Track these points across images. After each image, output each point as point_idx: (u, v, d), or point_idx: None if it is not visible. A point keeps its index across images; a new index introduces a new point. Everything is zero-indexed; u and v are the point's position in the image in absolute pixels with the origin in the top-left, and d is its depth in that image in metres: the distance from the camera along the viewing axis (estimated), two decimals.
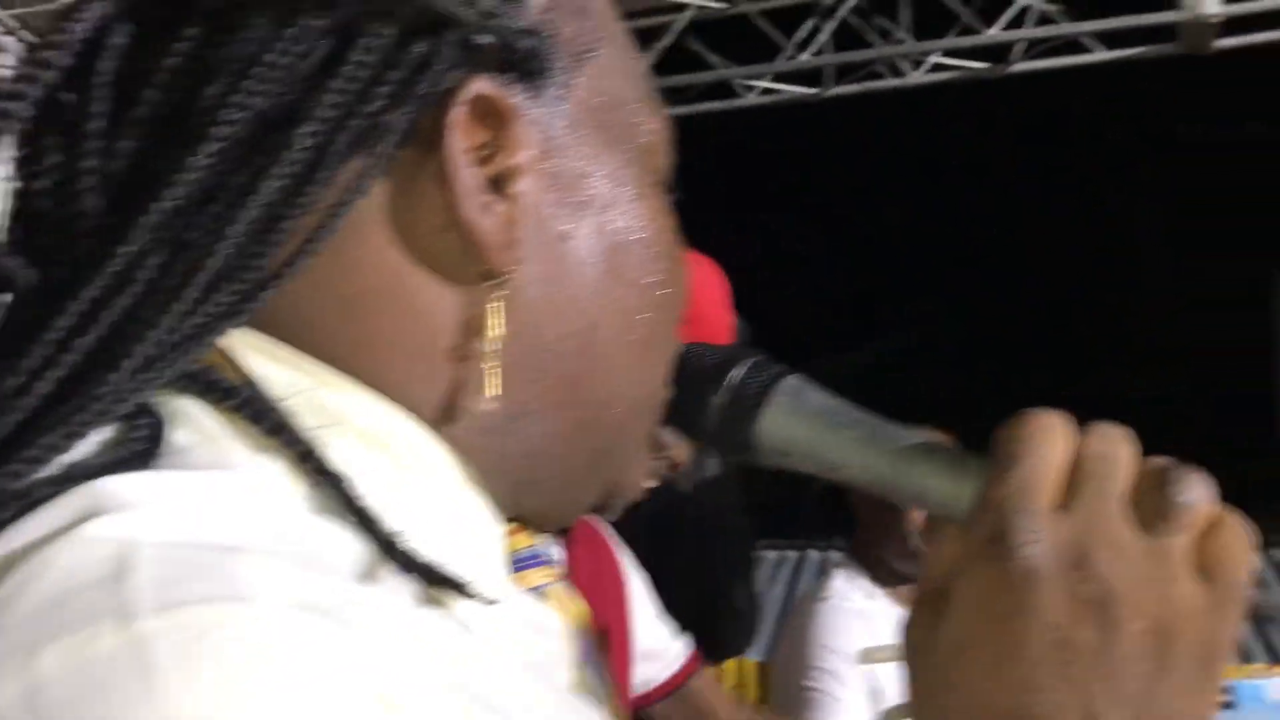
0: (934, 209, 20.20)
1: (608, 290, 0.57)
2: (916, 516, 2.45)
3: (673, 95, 5.41)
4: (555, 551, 1.71)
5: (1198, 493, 0.53)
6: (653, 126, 0.61)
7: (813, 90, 5.38)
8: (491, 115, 0.53)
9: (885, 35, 5.09)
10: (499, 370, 0.53)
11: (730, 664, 6.21)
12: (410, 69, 0.51)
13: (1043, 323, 18.90)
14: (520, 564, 0.63)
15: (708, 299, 1.69)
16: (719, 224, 1.72)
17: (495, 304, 0.53)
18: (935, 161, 20.05)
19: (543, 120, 0.55)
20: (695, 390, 0.65)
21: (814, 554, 7.85)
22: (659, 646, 1.92)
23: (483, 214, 0.53)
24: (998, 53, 5.16)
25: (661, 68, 5.32)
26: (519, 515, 0.60)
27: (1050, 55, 5.14)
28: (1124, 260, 18.30)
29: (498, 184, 0.54)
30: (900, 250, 20.70)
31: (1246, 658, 5.69)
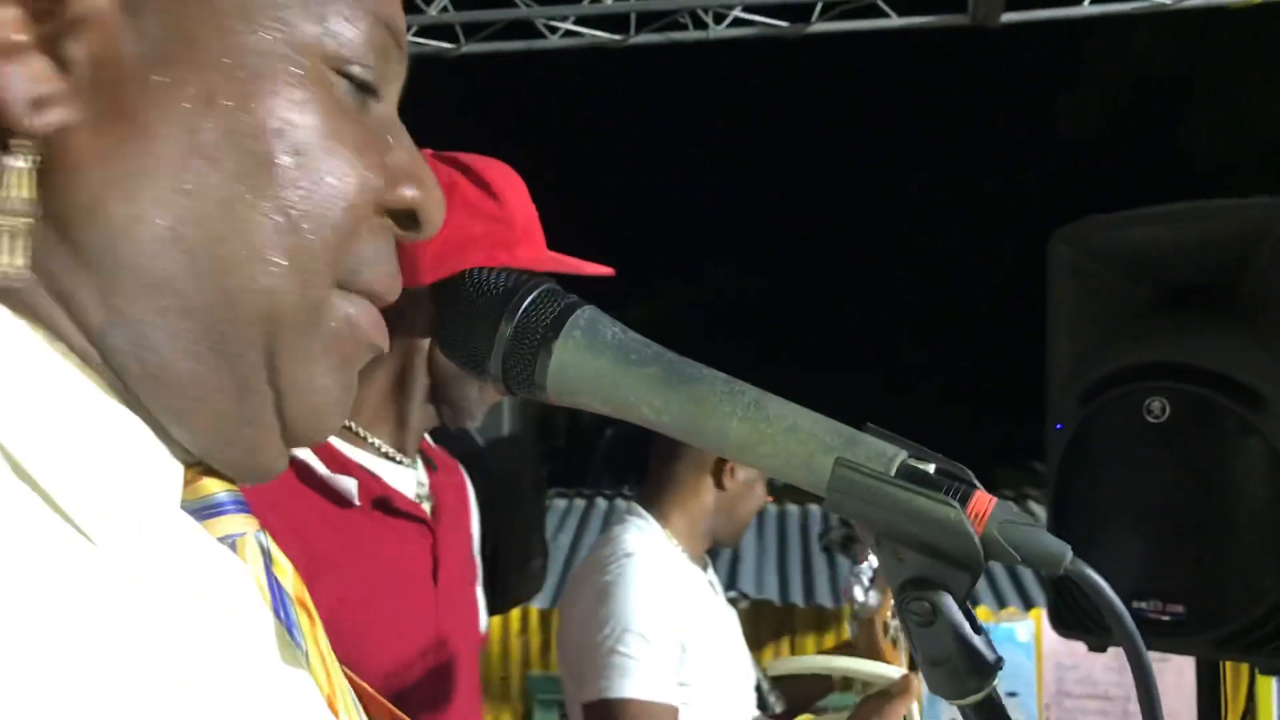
0: (729, 160, 20.55)
1: (207, 176, 0.50)
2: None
3: (473, 30, 5.27)
4: (415, 477, 1.62)
5: None
6: (344, 9, 0.54)
7: (616, 36, 5.33)
8: None
9: None
10: (19, 237, 0.48)
11: (514, 611, 6.24)
12: None
13: (829, 275, 19.56)
14: (208, 511, 0.57)
15: (524, 212, 1.61)
16: (515, 164, 1.67)
17: (18, 167, 0.48)
18: (736, 118, 20.39)
19: None
20: (477, 319, 0.60)
21: (602, 501, 7.92)
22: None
23: (3, 64, 0.48)
24: (799, 12, 5.23)
25: (462, 2, 5.17)
26: (206, 460, 0.56)
27: (847, 18, 5.25)
28: (908, 220, 19.08)
29: (56, 38, 0.49)
30: (692, 201, 21.00)
31: (1001, 602, 6.07)
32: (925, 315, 18.12)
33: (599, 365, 0.58)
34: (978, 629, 0.54)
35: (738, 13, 5.19)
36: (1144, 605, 1.60)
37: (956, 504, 0.54)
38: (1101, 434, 1.74)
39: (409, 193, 0.57)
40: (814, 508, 7.00)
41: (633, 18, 5.26)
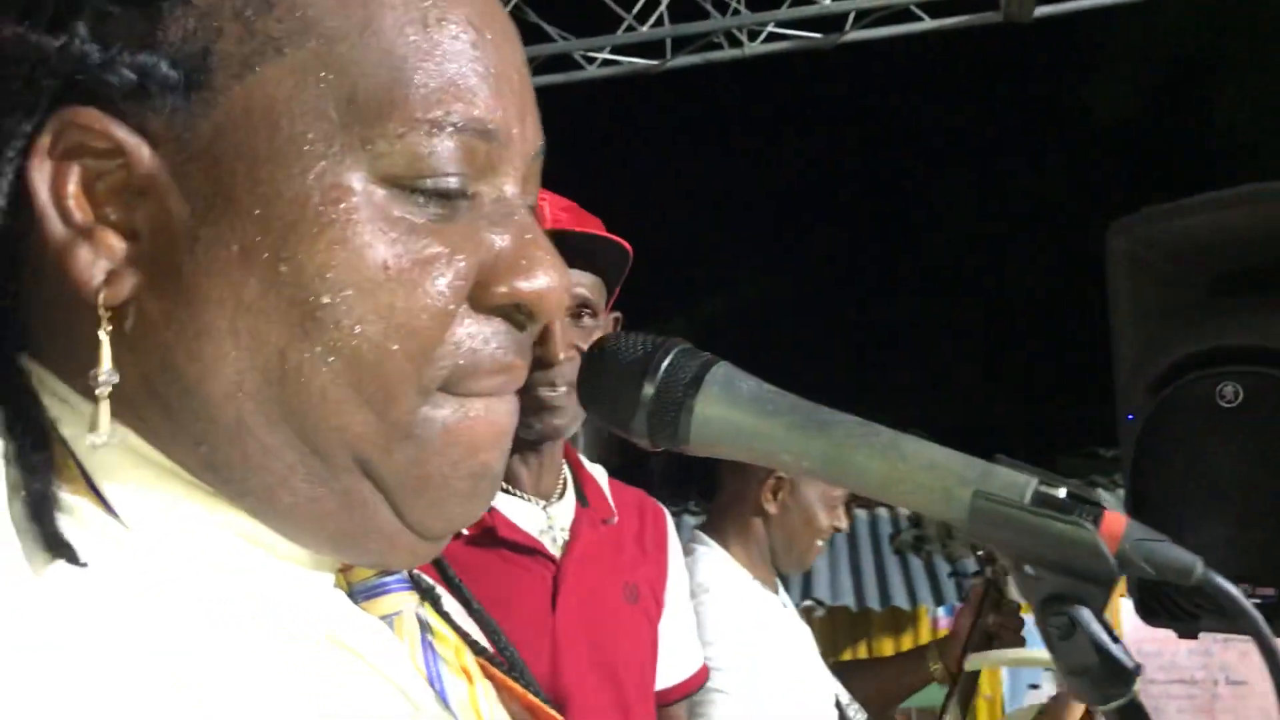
0: (774, 175, 20.55)
1: (258, 328, 0.52)
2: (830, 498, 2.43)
3: None
4: (540, 511, 1.66)
5: None
6: (400, 129, 0.53)
7: (653, 61, 5.40)
8: (88, 147, 0.52)
9: (722, 7, 5.15)
10: (103, 405, 0.52)
11: None
12: None
13: (875, 276, 19.47)
14: (371, 592, 0.63)
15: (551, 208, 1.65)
16: (560, 193, 1.72)
17: (102, 336, 0.52)
18: (773, 130, 20.40)
19: (171, 138, 0.52)
20: (620, 381, 0.63)
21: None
22: (678, 651, 1.87)
23: (72, 246, 0.52)
24: (831, 23, 5.27)
25: None
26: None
27: (881, 25, 5.28)
28: (951, 215, 18.95)
29: (120, 209, 0.52)
30: (734, 213, 21.01)
31: None
32: (976, 307, 18.00)
33: (738, 418, 0.62)
34: (1115, 639, 0.58)
35: (771, 28, 5.24)
36: None
37: (1091, 525, 0.57)
38: (1174, 422, 1.75)
39: (504, 289, 0.56)
40: (882, 512, 6.99)
41: (668, 42, 5.32)
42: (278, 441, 0.53)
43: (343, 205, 0.52)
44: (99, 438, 0.51)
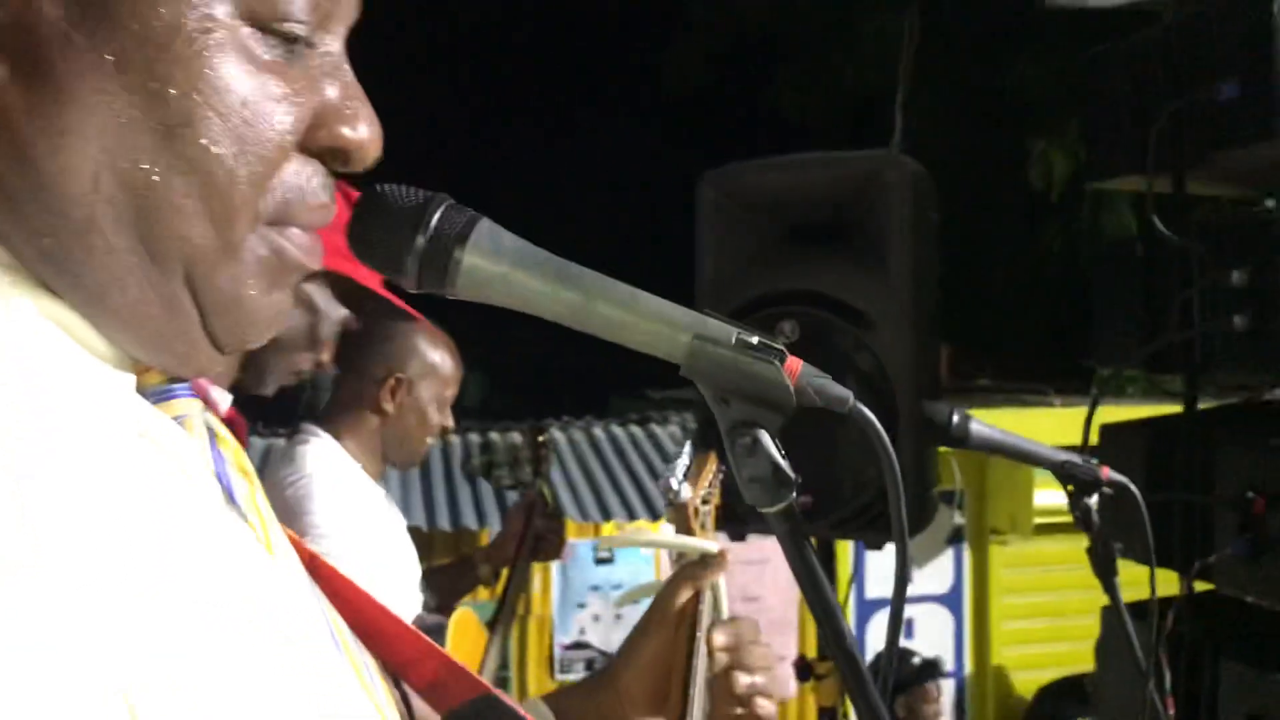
0: None
1: (123, 135, 0.56)
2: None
3: None
4: None
5: None
6: None
7: None
8: None
9: None
10: None
11: None
12: None
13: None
14: (162, 395, 0.69)
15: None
16: None
17: None
18: None
19: None
20: (394, 228, 0.71)
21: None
22: None
23: None
24: None
25: None
26: (151, 365, 0.64)
27: None
28: (521, 169, 19.30)
29: None
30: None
31: (632, 515, 6.47)
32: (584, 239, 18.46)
33: (500, 268, 0.71)
34: (784, 455, 0.74)
35: None
36: None
37: (778, 364, 0.73)
38: None
39: (327, 135, 0.62)
40: (454, 439, 7.16)
41: None
42: (122, 243, 0.56)
43: (212, 36, 0.56)
44: None
